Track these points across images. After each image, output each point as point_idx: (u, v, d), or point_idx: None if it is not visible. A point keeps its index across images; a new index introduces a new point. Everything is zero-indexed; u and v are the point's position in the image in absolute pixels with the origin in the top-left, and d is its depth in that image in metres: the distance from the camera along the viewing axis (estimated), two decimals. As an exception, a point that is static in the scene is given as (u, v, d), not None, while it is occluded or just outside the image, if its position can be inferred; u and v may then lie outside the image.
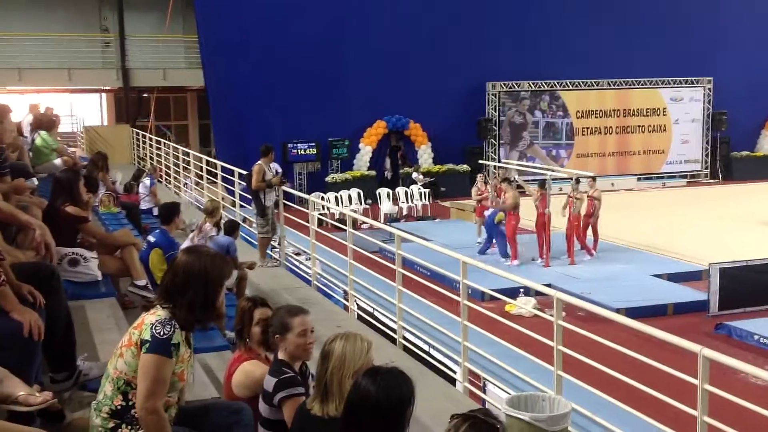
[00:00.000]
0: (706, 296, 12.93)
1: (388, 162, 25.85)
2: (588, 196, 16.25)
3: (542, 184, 16.74)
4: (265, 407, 3.83)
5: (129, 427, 3.30)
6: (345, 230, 10.06)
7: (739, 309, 12.62)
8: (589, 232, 16.41)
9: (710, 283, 12.84)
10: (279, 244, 12.04)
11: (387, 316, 9.64)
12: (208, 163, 16.52)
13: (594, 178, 16.79)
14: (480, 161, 22.94)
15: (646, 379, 5.57)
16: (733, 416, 4.90)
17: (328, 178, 23.82)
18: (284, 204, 11.95)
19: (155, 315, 3.29)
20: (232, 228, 10.00)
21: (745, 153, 29.46)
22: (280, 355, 4.00)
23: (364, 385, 2.93)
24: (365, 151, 25.11)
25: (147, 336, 3.23)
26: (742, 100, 28.26)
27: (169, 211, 8.20)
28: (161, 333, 3.22)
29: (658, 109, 28.56)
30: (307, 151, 24.07)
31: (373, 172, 24.90)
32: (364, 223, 14.76)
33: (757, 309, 12.61)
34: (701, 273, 13.97)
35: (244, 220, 12.85)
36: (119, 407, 3.31)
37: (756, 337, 11.25)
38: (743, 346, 10.99)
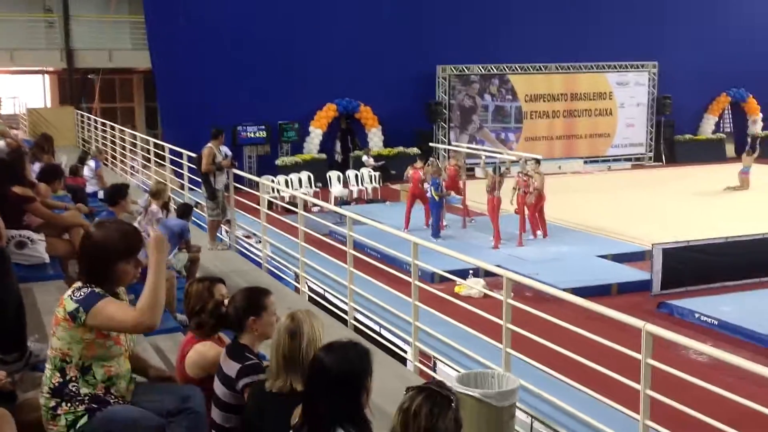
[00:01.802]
0: (649, 276, 13.25)
1: (338, 145, 25.82)
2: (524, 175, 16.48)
3: (496, 168, 16.97)
4: (225, 391, 3.82)
5: (68, 404, 3.33)
6: (295, 213, 10.07)
7: (681, 288, 12.97)
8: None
9: (653, 263, 13.16)
10: (229, 227, 12.00)
11: (338, 298, 9.69)
12: (155, 145, 16.32)
13: (538, 161, 17.01)
14: (430, 144, 23.07)
15: (591, 356, 5.71)
16: (675, 391, 5.06)
17: (278, 162, 23.70)
18: (234, 187, 11.89)
19: (71, 289, 3.39)
20: (185, 211, 9.93)
21: (688, 136, 30.12)
22: (243, 340, 3.96)
23: (323, 359, 2.99)
24: (315, 134, 25.03)
25: (71, 306, 3.30)
26: (685, 84, 28.86)
27: (115, 193, 8.10)
28: (81, 294, 3.31)
29: (605, 93, 28.99)
30: (257, 134, 23.92)
31: (323, 156, 24.83)
32: (315, 205, 14.76)
33: (697, 288, 12.98)
34: (645, 253, 14.29)
35: (197, 204, 12.75)
36: (57, 384, 3.34)
37: (696, 315, 11.58)
38: (684, 324, 11.30)
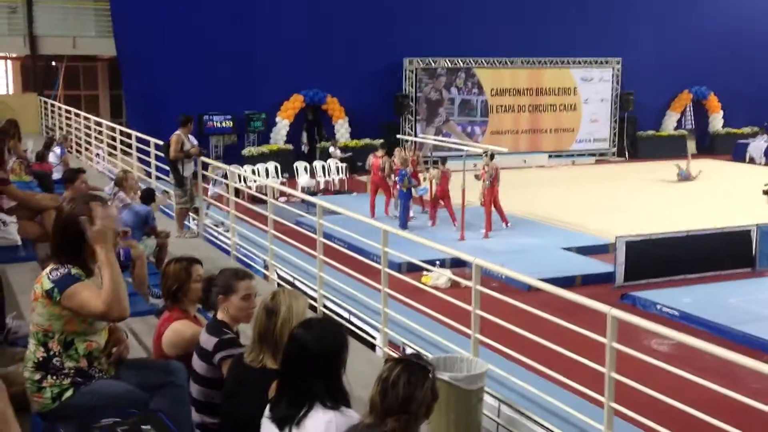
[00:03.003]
0: (612, 268, 13.49)
1: (305, 136, 25.81)
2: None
3: (443, 161, 17.37)
4: (203, 365, 3.89)
5: (53, 377, 3.38)
6: (262, 203, 10.08)
7: (644, 280, 13.23)
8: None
9: (617, 255, 13.40)
10: (197, 215, 11.97)
11: (308, 285, 9.74)
12: (122, 133, 16.18)
13: (491, 155, 17.20)
14: (396, 136, 23.16)
15: (557, 341, 5.83)
16: (639, 378, 5.19)
17: (245, 151, 23.64)
18: (203, 175, 11.86)
19: (49, 267, 3.45)
20: (148, 196, 9.90)
21: (650, 132, 30.57)
22: (220, 316, 4.07)
23: (300, 335, 3.08)
24: (282, 124, 24.99)
25: (48, 285, 3.35)
26: (648, 81, 29.28)
27: (73, 175, 8.20)
28: (58, 274, 3.36)
29: (569, 88, 29.32)
30: (223, 124, 23.83)
31: (290, 146, 24.82)
32: (282, 195, 14.80)
33: (660, 280, 13.25)
34: (608, 246, 14.54)
35: (164, 192, 12.69)
36: (42, 359, 3.39)
37: (658, 306, 11.84)
38: (647, 315, 11.50)
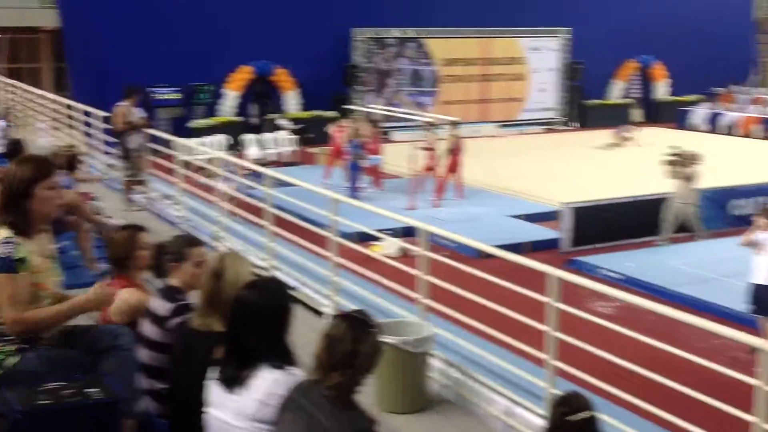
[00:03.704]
0: (559, 235, 13.74)
1: (254, 108, 25.59)
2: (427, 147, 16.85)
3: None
4: (156, 330, 3.92)
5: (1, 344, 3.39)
6: (211, 175, 10.05)
7: (590, 246, 13.50)
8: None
9: (563, 222, 13.65)
10: (144, 187, 11.87)
11: (258, 256, 9.74)
12: (67, 106, 15.89)
13: (433, 124, 17.34)
14: (346, 107, 23.11)
15: (507, 306, 5.95)
16: (583, 337, 5.35)
17: (193, 124, 23.37)
18: (149, 147, 11.75)
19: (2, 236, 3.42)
20: (13, 150, 9.70)
21: (597, 101, 30.95)
22: (173, 282, 4.11)
23: (245, 296, 3.13)
24: (230, 96, 24.74)
25: None
26: (595, 50, 29.54)
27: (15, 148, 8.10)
28: (1, 254, 3.34)
29: (518, 58, 29.49)
30: (170, 96, 23.51)
31: (239, 118, 24.60)
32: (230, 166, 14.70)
33: (605, 245, 13.54)
34: (555, 213, 14.77)
35: (112, 165, 12.55)
36: None
37: (602, 270, 12.12)
38: (591, 279, 11.77)
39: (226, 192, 9.75)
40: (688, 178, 13.83)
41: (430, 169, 16.61)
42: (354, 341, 2.85)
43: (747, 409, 4.15)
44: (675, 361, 4.98)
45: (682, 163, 13.91)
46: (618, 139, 25.20)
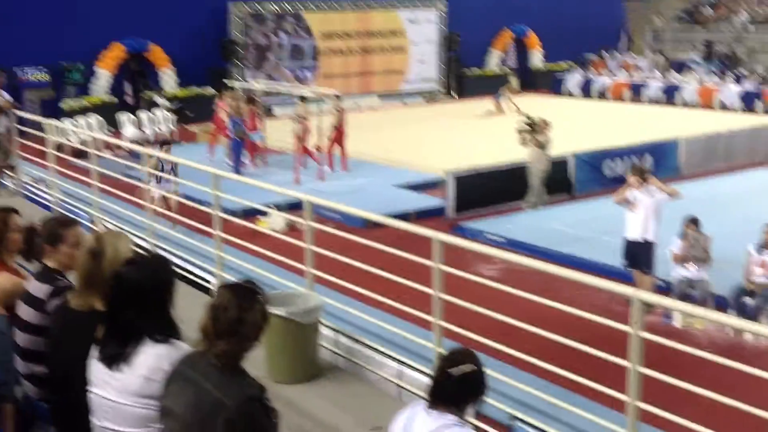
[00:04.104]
0: (444, 202, 13.98)
1: (128, 86, 24.77)
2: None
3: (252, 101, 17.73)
4: (33, 313, 3.79)
5: None
6: (86, 157, 9.70)
7: (473, 211, 13.81)
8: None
9: (447, 189, 13.89)
10: (14, 172, 11.34)
11: (138, 236, 9.50)
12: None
13: (305, 98, 17.32)
14: (225, 83, 22.67)
15: (392, 271, 6.01)
16: (470, 299, 5.47)
17: (64, 105, 22.40)
18: (19, 130, 11.22)
19: None
20: None
21: (475, 71, 31.53)
22: (51, 264, 3.96)
23: (125, 273, 3.05)
24: (102, 75, 23.84)
25: None
26: (472, 21, 30.06)
27: None
28: None
29: (397, 30, 29.67)
30: (38, 77, 22.48)
31: (113, 98, 23.76)
32: (108, 147, 14.25)
33: (488, 210, 13.88)
34: (439, 181, 15.01)
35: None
36: None
37: (485, 234, 12.43)
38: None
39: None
40: (541, 145, 14.11)
41: (302, 140, 16.52)
42: (239, 309, 2.82)
43: (624, 356, 4.35)
44: (558, 316, 5.17)
45: (533, 130, 14.21)
46: (497, 108, 25.82)
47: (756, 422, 3.93)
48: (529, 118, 14.60)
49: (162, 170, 10.75)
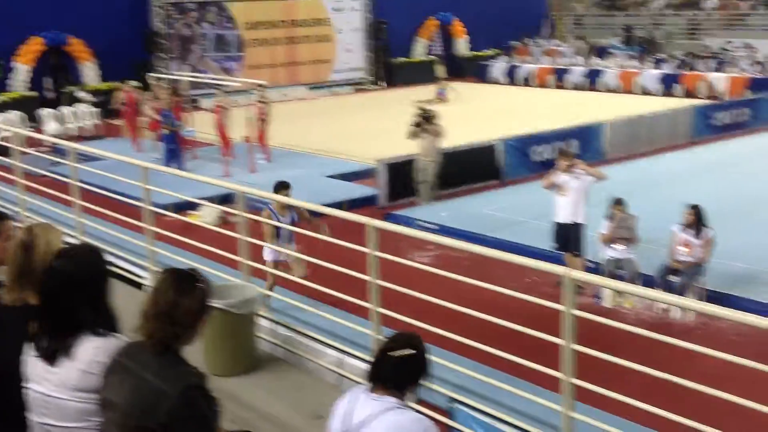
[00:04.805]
0: (376, 191, 14.02)
1: (48, 81, 24.08)
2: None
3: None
4: None
5: None
6: (8, 154, 9.44)
7: (406, 199, 13.89)
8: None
9: (379, 178, 13.93)
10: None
11: (68, 234, 9.29)
12: None
13: (219, 86, 17.28)
14: (149, 75, 22.24)
15: (326, 260, 6.04)
16: (403, 282, 5.54)
17: (-20, 101, 21.70)
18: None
19: None
20: None
21: (402, 59, 31.64)
22: None
23: (59, 265, 2.99)
24: (21, 70, 23.13)
25: None
26: (397, 9, 30.14)
27: None
28: None
29: (322, 19, 29.54)
30: (-47, 73, 21.71)
31: (33, 93, 23.08)
32: (31, 144, 13.85)
33: (419, 198, 13.96)
34: (371, 170, 15.02)
35: None
36: None
37: (418, 222, 12.51)
38: (410, 231, 12.16)
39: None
40: (432, 137, 14.03)
41: (223, 132, 16.38)
42: (177, 293, 2.81)
43: (556, 334, 4.46)
44: (493, 300, 5.27)
45: (425, 122, 14.08)
46: (436, 98, 25.69)
47: (685, 394, 4.08)
48: (422, 110, 14.50)
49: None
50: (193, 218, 11.64)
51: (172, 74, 23.38)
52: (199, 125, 18.37)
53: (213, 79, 21.07)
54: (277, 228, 7.68)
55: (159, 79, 20.65)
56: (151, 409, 2.69)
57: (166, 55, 25.99)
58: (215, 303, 5.27)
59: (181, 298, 2.81)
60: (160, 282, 2.88)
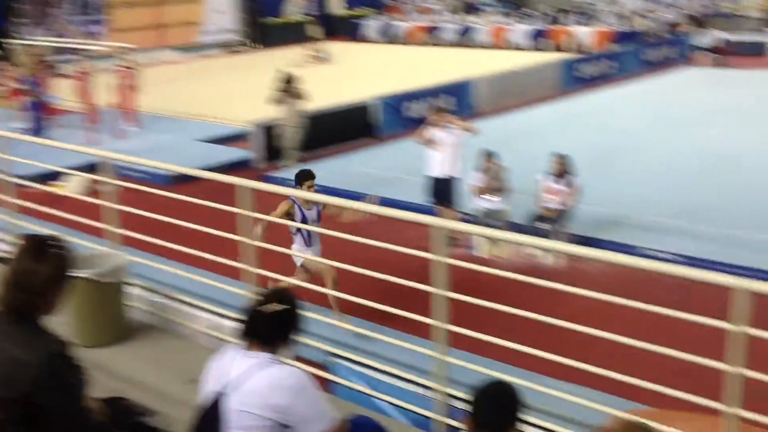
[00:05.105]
0: (251, 154, 13.84)
1: None
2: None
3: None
4: None
5: None
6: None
7: (280, 161, 13.78)
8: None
9: (254, 141, 13.75)
10: None
11: None
12: None
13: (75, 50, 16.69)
14: (7, 42, 21.09)
15: (202, 224, 5.89)
16: (279, 241, 5.50)
17: None
18: None
19: None
20: None
21: (276, 20, 31.16)
22: None
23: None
24: None
25: None
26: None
27: None
28: None
29: (190, -20, 28.69)
30: None
31: None
32: None
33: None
34: (246, 134, 14.79)
35: None
36: None
37: (291, 182, 12.45)
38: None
39: None
40: (295, 100, 14.01)
41: (87, 98, 15.78)
42: (33, 260, 2.75)
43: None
44: (370, 257, 5.31)
45: (286, 87, 13.98)
46: (311, 58, 25.54)
47: (556, 332, 4.24)
48: (285, 75, 14.34)
49: None
50: (60, 188, 11.20)
51: (30, 39, 22.19)
52: (63, 93, 17.56)
53: (76, 43, 20.13)
54: (302, 221, 7.15)
55: (24, 45, 19.61)
56: (14, 380, 2.63)
57: (25, 20, 24.63)
58: (81, 273, 5.10)
59: (37, 265, 2.75)
60: (19, 248, 2.82)
